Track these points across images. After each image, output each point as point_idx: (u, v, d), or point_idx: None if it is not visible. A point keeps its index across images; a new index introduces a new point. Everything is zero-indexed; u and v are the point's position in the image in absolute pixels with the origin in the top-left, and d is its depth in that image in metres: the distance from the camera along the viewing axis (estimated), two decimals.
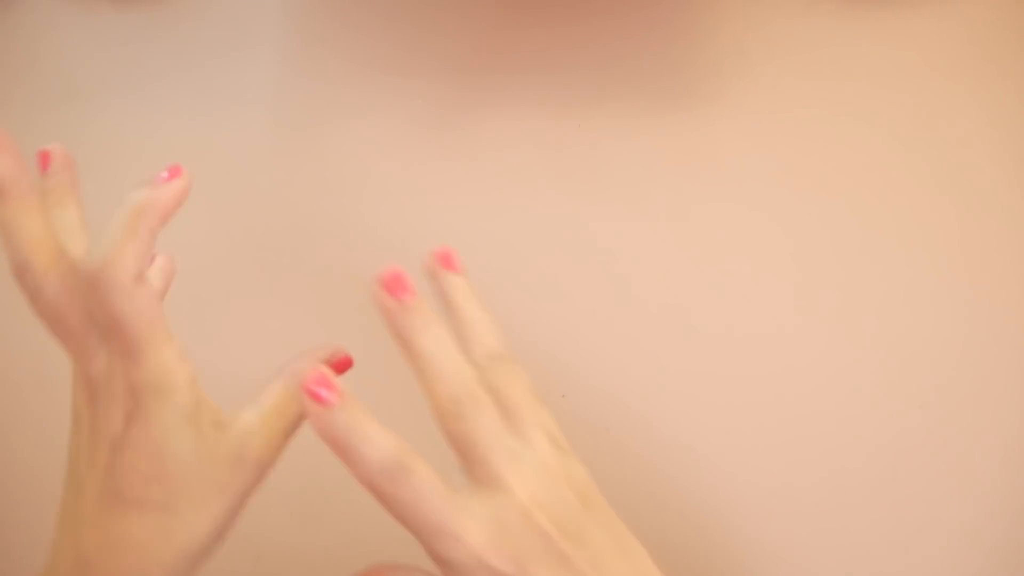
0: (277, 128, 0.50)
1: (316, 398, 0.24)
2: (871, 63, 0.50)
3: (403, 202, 0.49)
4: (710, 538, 0.45)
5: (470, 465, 0.25)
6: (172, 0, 0.53)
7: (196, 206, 0.50)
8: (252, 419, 0.27)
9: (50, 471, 0.48)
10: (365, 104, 0.50)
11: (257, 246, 0.49)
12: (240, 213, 0.50)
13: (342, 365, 0.31)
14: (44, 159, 0.30)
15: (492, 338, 0.29)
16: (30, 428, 0.49)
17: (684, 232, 0.48)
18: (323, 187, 0.50)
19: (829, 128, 0.49)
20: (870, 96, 0.50)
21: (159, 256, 0.35)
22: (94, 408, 0.25)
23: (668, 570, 0.28)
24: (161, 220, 0.26)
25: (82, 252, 0.27)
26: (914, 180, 0.49)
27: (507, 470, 0.24)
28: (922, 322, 0.47)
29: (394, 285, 0.27)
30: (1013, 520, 0.46)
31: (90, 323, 0.25)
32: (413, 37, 0.51)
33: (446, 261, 0.31)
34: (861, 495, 0.46)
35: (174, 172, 0.27)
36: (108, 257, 0.24)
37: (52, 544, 0.27)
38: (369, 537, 0.46)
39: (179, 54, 0.52)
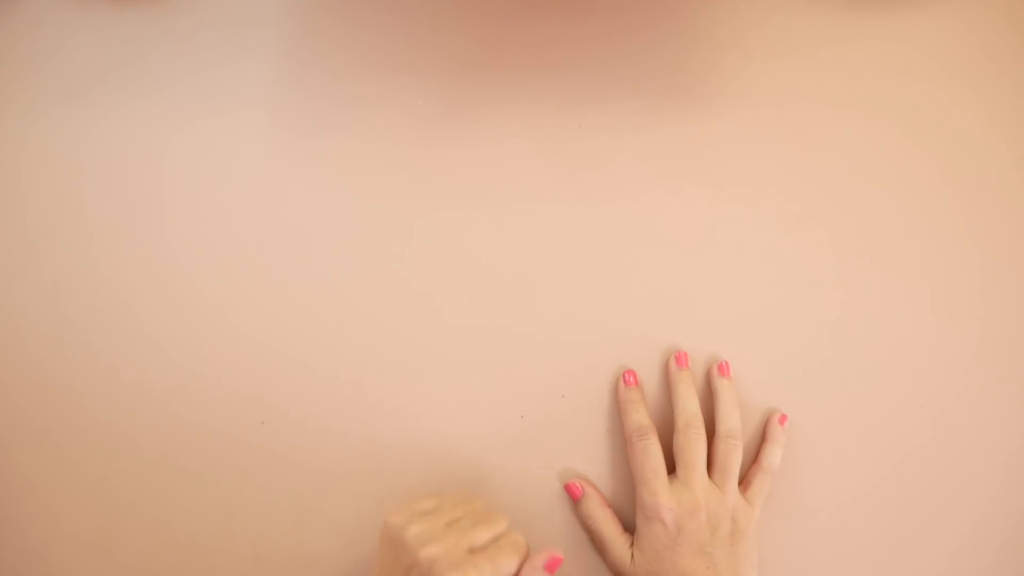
0: (277, 127, 0.50)
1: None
2: (871, 61, 0.50)
3: (404, 200, 0.49)
4: None
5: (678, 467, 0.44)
6: None
7: (196, 204, 0.50)
8: None
9: (50, 471, 0.48)
10: (365, 102, 0.50)
11: (257, 245, 0.49)
12: (239, 212, 0.50)
13: (554, 564, 0.39)
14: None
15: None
16: (30, 428, 0.49)
17: (684, 229, 0.49)
18: (323, 186, 0.50)
19: (829, 126, 0.49)
20: (870, 93, 0.50)
21: None
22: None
23: None
24: None
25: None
26: (915, 177, 0.49)
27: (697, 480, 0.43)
28: (923, 321, 0.47)
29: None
30: (1016, 521, 0.46)
31: None
32: (414, 34, 0.51)
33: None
34: (861, 495, 0.46)
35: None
36: None
37: None
38: (368, 536, 0.46)
39: (179, 53, 0.52)
